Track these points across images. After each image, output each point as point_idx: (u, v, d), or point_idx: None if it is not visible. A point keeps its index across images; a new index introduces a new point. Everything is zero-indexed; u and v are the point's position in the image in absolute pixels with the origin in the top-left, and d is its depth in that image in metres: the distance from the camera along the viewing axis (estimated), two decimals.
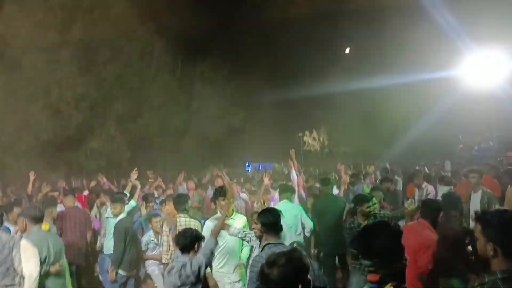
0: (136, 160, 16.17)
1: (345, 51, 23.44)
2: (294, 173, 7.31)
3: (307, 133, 28.20)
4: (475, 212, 2.36)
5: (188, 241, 3.83)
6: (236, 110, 20.33)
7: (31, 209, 4.66)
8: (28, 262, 4.15)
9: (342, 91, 19.65)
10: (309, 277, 2.41)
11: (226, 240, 4.83)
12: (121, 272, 5.75)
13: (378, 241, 2.37)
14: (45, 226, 4.57)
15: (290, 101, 21.73)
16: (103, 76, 16.88)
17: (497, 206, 6.07)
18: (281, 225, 3.61)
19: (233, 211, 5.03)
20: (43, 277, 4.31)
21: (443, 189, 7.78)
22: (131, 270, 5.86)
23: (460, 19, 12.27)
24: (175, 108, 18.29)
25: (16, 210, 5.44)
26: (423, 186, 7.93)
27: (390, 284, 2.32)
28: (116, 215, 5.93)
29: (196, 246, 3.86)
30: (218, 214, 5.02)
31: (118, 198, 6.15)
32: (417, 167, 11.05)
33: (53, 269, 4.36)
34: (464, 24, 12.28)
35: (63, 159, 15.91)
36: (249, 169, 22.52)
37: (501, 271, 2.09)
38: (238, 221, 4.95)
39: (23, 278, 4.24)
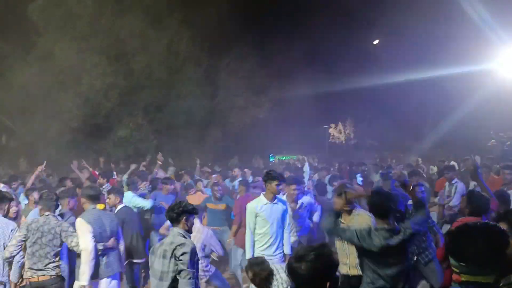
0: (162, 149, 16.43)
1: (373, 43, 22.97)
2: (307, 166, 7.30)
3: (332, 125, 27.94)
4: (502, 212, 2.26)
5: (175, 214, 3.86)
6: (261, 101, 20.28)
7: (88, 189, 5.03)
8: (83, 237, 4.53)
9: (370, 84, 19.31)
10: (337, 274, 2.39)
11: (269, 223, 4.92)
12: (134, 260, 5.90)
13: (473, 245, 2.04)
14: (100, 206, 4.93)
15: (317, 93, 21.48)
16: (131, 66, 17.13)
17: None
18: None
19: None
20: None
21: (472, 185, 7.61)
22: (140, 257, 6.00)
23: (493, 10, 11.83)
24: (200, 98, 18.40)
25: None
26: (453, 181, 7.75)
27: None
28: (112, 206, 6.03)
29: (184, 219, 3.85)
30: (262, 196, 5.12)
31: (112, 189, 6.32)
32: (448, 162, 10.79)
33: (109, 243, 4.64)
34: (497, 15, 11.84)
35: (92, 146, 16.30)
36: (272, 160, 22.50)
37: None
38: (280, 206, 5.13)
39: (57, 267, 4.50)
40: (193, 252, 3.68)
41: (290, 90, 20.64)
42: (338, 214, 4.05)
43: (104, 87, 16.13)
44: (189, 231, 3.92)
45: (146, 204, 6.91)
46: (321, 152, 24.11)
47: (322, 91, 21.37)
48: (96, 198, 4.95)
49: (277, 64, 20.64)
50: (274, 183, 4.98)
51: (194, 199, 7.49)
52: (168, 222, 4.68)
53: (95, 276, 4.62)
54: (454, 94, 16.31)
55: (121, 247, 5.11)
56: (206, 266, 5.47)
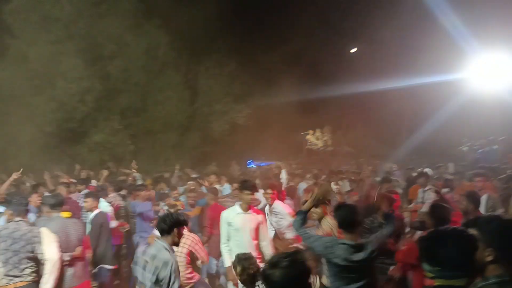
0: (139, 154, 16.25)
1: (350, 51, 23.34)
2: (284, 173, 7.35)
3: (310, 132, 28.14)
4: (468, 219, 2.33)
5: (166, 226, 3.81)
6: (240, 107, 20.30)
7: (49, 197, 4.90)
8: (48, 247, 4.43)
9: (348, 92, 19.58)
10: (310, 281, 2.41)
11: (239, 232, 4.88)
12: (106, 266, 5.82)
13: (447, 250, 2.14)
14: (65, 213, 4.80)
15: (295, 100, 21.63)
16: (109, 70, 16.92)
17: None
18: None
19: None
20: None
21: (443, 192, 7.81)
22: (111, 263, 5.93)
23: (467, 22, 12.20)
24: (179, 104, 18.30)
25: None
26: (426, 188, 7.93)
27: None
28: (88, 210, 5.96)
29: (175, 231, 3.80)
30: (236, 206, 5.09)
31: (90, 193, 6.27)
32: (421, 169, 11.02)
33: (76, 253, 4.57)
34: (469, 26, 12.21)
35: (66, 151, 15.98)
36: (251, 166, 22.51)
37: (495, 275, 2.10)
38: (254, 216, 5.07)
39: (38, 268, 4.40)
40: (175, 270, 3.62)
41: (269, 96, 20.74)
42: (305, 214, 4.03)
43: (79, 91, 15.85)
44: (176, 244, 3.87)
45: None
46: (299, 158, 24.26)
47: (301, 98, 21.54)
48: (58, 205, 4.82)
49: (256, 71, 20.73)
50: (246, 193, 4.97)
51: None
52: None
53: (59, 287, 4.50)
54: (429, 102, 16.67)
55: (89, 254, 5.03)
56: (190, 273, 5.42)
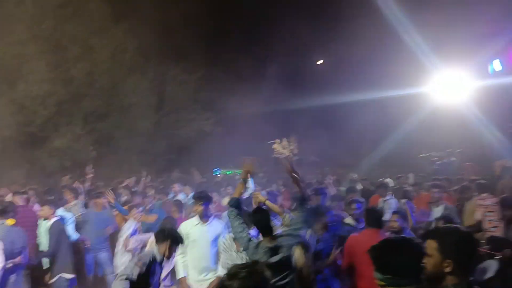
0: (101, 161, 15.87)
1: (317, 62, 23.79)
2: (251, 182, 7.38)
3: (277, 140, 28.30)
4: (427, 229, 2.41)
5: (161, 235, 3.96)
6: (207, 115, 20.23)
7: None
8: None
9: (314, 102, 19.92)
10: None
11: (196, 243, 4.83)
12: (65, 275, 5.67)
13: (398, 258, 2.26)
14: (9, 221, 4.69)
15: (263, 109, 21.79)
16: (72, 73, 16.48)
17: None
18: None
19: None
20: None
21: (401, 202, 8.06)
22: (70, 272, 5.79)
23: (428, 39, 12.71)
24: (145, 110, 18.04)
25: None
26: (386, 198, 8.13)
27: None
28: (45, 218, 5.83)
29: (167, 244, 3.91)
30: (196, 217, 5.05)
31: (46, 201, 6.17)
32: (381, 179, 11.31)
33: (17, 260, 4.47)
34: (431, 44, 12.72)
35: (25, 156, 15.39)
36: (218, 174, 22.41)
37: (453, 284, 2.16)
38: (214, 227, 5.01)
39: None
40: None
41: (236, 104, 20.79)
42: (237, 200, 4.01)
43: (41, 94, 15.36)
44: (167, 257, 3.90)
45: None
46: (266, 167, 24.33)
47: (269, 107, 21.72)
48: (4, 213, 4.72)
49: (224, 79, 20.75)
50: (199, 203, 4.95)
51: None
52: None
53: None
54: (391, 115, 17.19)
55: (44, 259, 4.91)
56: (164, 279, 5.34)
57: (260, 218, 3.79)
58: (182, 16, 18.36)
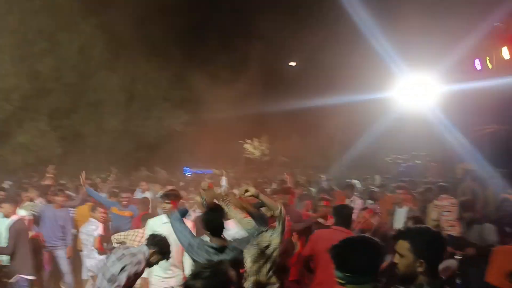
0: (67, 158, 15.47)
1: (289, 64, 24.01)
2: (224, 180, 7.34)
3: (248, 141, 28.40)
4: (399, 230, 2.46)
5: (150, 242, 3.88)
6: (178, 114, 20.03)
7: None
8: None
9: (285, 104, 20.07)
10: None
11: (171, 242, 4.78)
12: (24, 276, 5.50)
13: (354, 255, 2.27)
14: None
15: (235, 109, 21.78)
16: (38, 67, 15.96)
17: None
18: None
19: None
20: None
21: (368, 203, 8.23)
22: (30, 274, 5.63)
23: (395, 44, 13.04)
24: (113, 107, 17.68)
25: None
26: (352, 199, 8.28)
27: None
28: (5, 216, 5.65)
29: (154, 253, 3.85)
30: (163, 215, 4.98)
31: (7, 198, 5.99)
32: (349, 180, 11.50)
33: None
34: (399, 49, 13.04)
35: None
36: (188, 173, 22.26)
37: (427, 283, 2.21)
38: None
39: None
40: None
41: (208, 104, 20.71)
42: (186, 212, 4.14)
43: (5, 89, 14.81)
44: (150, 264, 3.83)
45: None
46: (237, 166, 24.38)
47: (240, 107, 21.73)
48: None
49: (196, 78, 20.62)
50: (166, 202, 4.91)
51: (83, 209, 7.13)
52: None
53: None
54: (360, 118, 17.54)
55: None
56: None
57: (208, 218, 3.79)
58: (154, 12, 18.12)
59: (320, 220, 5.85)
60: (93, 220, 6.23)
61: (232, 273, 2.43)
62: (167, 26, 18.55)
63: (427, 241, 2.24)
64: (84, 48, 17.20)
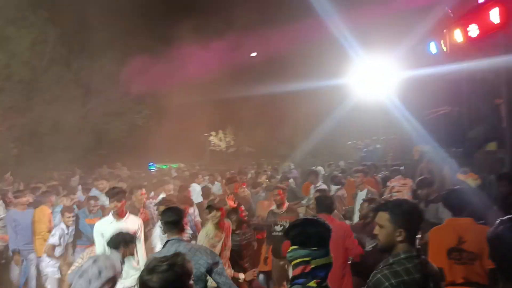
0: (24, 158, 14.88)
1: (251, 55, 23.94)
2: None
3: (213, 133, 28.27)
4: (380, 202, 2.55)
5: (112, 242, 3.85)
6: (139, 108, 19.60)
7: None
8: None
9: (249, 94, 20.05)
10: (190, 282, 2.38)
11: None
12: None
13: (316, 230, 2.38)
14: None
15: (197, 101, 21.55)
16: None
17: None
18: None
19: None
20: None
21: (333, 188, 8.38)
22: None
23: (353, 30, 13.22)
24: (70, 103, 17.08)
25: None
26: (318, 184, 8.41)
27: (314, 281, 2.33)
28: None
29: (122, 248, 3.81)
30: (110, 215, 4.88)
31: None
32: (313, 167, 11.66)
33: None
34: (357, 36, 13.24)
35: None
36: (153, 169, 21.93)
37: (404, 251, 2.31)
38: (131, 223, 4.83)
39: None
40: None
41: (170, 97, 20.37)
42: None
43: None
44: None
45: None
46: (202, 159, 24.23)
47: (203, 99, 21.53)
48: None
49: (157, 70, 20.19)
50: (111, 200, 4.80)
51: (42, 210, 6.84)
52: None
53: None
54: (322, 105, 17.77)
55: None
56: None
57: (168, 214, 3.77)
58: (109, 3, 17.52)
59: (274, 209, 6.01)
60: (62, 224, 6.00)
61: (189, 265, 2.40)
62: (124, 17, 18.01)
63: (406, 211, 2.36)
64: (35, 43, 16.48)
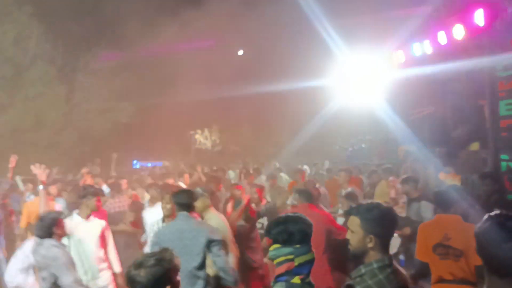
0: (4, 156, 14.54)
1: (238, 53, 23.90)
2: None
3: (199, 131, 28.13)
4: (351, 206, 2.52)
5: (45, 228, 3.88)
6: (123, 105, 19.37)
7: None
8: None
9: (234, 92, 20.00)
10: (178, 278, 2.37)
11: (82, 242, 4.55)
12: None
13: (298, 227, 2.39)
14: None
15: (182, 99, 21.39)
16: None
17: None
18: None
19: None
20: None
21: (317, 187, 8.43)
22: None
23: (339, 29, 13.31)
24: (53, 100, 16.79)
25: None
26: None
27: (297, 277, 2.33)
28: None
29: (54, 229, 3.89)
30: (74, 214, 4.78)
31: None
32: (299, 166, 11.70)
33: None
34: (344, 37, 13.32)
35: None
36: (137, 167, 21.73)
37: (376, 260, 2.23)
38: (98, 222, 4.81)
39: None
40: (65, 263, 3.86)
41: (155, 94, 20.19)
42: None
43: None
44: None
45: None
46: (187, 158, 24.07)
47: (189, 97, 21.39)
48: None
49: (141, 67, 20.00)
50: (94, 199, 4.72)
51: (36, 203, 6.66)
52: None
53: None
54: (308, 106, 17.85)
55: None
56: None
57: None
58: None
59: (254, 206, 6.07)
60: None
61: (177, 260, 2.39)
62: (107, 11, 17.80)
63: (376, 217, 2.27)
64: (18, 39, 16.17)
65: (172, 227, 3.94)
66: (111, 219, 5.82)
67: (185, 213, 3.93)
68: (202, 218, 4.51)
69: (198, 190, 4.72)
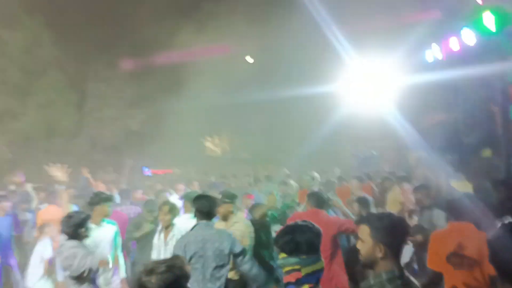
0: (18, 163, 14.75)
1: (248, 60, 23.97)
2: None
3: (209, 139, 28.20)
4: (361, 216, 2.49)
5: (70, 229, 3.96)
6: (135, 113, 19.53)
7: None
8: None
9: (244, 98, 20.04)
10: (188, 285, 2.37)
11: (95, 248, 4.59)
12: None
13: (306, 237, 2.37)
14: None
15: (193, 106, 21.48)
16: None
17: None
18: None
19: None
20: None
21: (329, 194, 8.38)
22: None
23: (349, 34, 13.28)
24: (65, 108, 17.02)
25: None
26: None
27: (307, 285, 2.31)
28: None
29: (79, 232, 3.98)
30: None
31: None
32: (310, 174, 11.64)
33: None
34: (352, 42, 13.30)
35: None
36: (150, 174, 21.81)
37: (385, 271, 2.19)
38: (110, 227, 4.88)
39: None
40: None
41: (165, 101, 20.32)
42: None
43: None
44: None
45: None
46: (198, 165, 24.09)
47: (199, 104, 21.48)
48: None
49: (151, 74, 20.15)
50: (106, 205, 4.78)
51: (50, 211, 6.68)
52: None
53: None
54: (318, 112, 17.78)
55: None
56: None
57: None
58: (105, 7, 17.53)
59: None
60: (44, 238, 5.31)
61: (187, 267, 2.38)
62: (118, 20, 18.00)
63: (386, 226, 2.24)
64: (31, 47, 16.45)
65: (195, 237, 3.92)
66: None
67: (204, 221, 3.95)
68: (226, 220, 4.74)
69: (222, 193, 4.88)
